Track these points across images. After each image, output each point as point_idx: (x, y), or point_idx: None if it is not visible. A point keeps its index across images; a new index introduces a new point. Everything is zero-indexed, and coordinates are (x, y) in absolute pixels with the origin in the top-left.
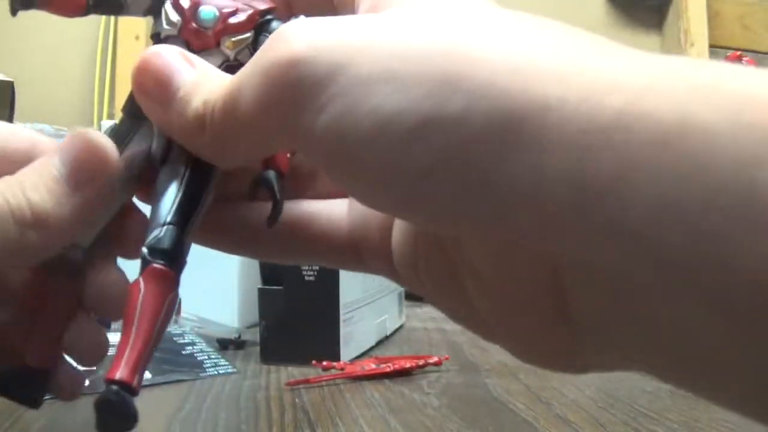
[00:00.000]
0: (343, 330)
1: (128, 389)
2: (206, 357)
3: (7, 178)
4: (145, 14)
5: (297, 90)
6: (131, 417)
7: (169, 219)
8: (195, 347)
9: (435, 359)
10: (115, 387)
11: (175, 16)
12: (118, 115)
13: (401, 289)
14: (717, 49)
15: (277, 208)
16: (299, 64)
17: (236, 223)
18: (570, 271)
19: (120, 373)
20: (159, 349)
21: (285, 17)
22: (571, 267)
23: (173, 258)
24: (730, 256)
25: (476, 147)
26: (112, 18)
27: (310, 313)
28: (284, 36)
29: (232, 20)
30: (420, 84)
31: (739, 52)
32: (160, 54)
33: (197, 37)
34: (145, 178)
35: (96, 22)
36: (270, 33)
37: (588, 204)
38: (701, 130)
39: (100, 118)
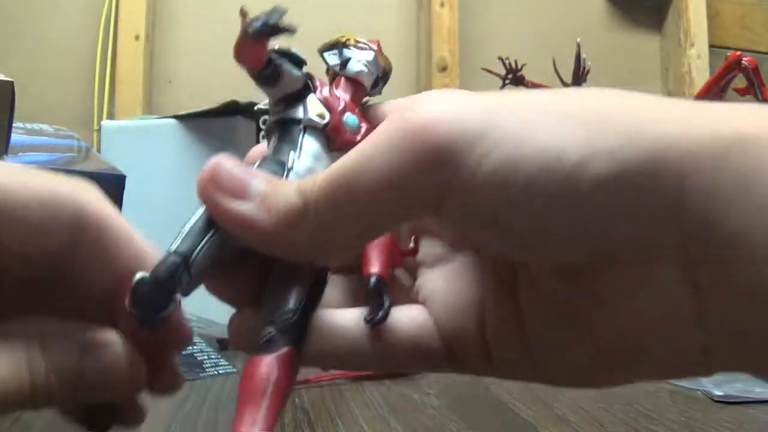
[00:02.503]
0: None
1: None
2: (206, 357)
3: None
4: (284, 99)
5: (454, 143)
6: None
7: (301, 306)
8: (195, 347)
9: None
10: None
11: (325, 112)
12: (118, 115)
13: None
14: (717, 49)
15: (387, 310)
16: (452, 120)
17: (333, 332)
18: (704, 276)
19: None
20: None
21: None
22: (704, 270)
23: (301, 342)
24: None
25: (626, 176)
26: (112, 18)
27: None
28: (412, 106)
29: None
30: (579, 126)
31: (739, 52)
32: (226, 159)
33: (341, 137)
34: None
35: (96, 22)
36: None
37: (721, 216)
38: None
39: (100, 118)
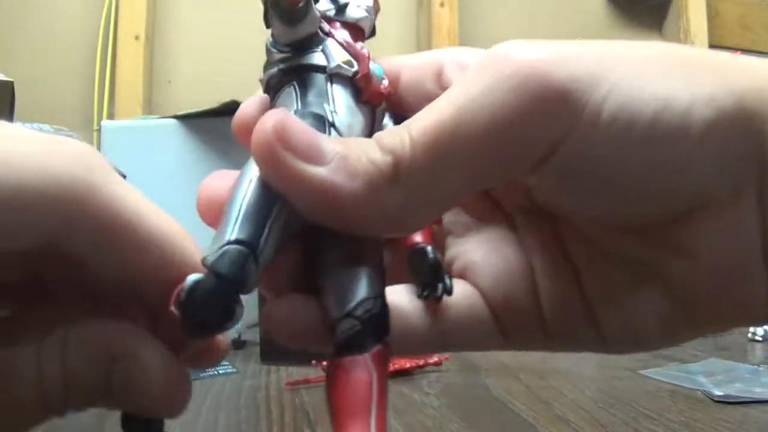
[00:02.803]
0: None
1: None
2: None
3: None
4: (293, 44)
5: (570, 86)
6: None
7: (381, 291)
8: None
9: (435, 359)
10: None
11: (352, 59)
12: (118, 115)
13: None
14: (717, 49)
15: (448, 283)
16: (561, 64)
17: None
18: None
19: None
20: None
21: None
22: None
23: (389, 333)
24: None
25: (727, 120)
26: (112, 18)
27: None
28: (508, 52)
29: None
30: (680, 75)
31: (739, 52)
32: (293, 118)
33: (370, 88)
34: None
35: (96, 22)
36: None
37: None
38: None
39: (100, 118)
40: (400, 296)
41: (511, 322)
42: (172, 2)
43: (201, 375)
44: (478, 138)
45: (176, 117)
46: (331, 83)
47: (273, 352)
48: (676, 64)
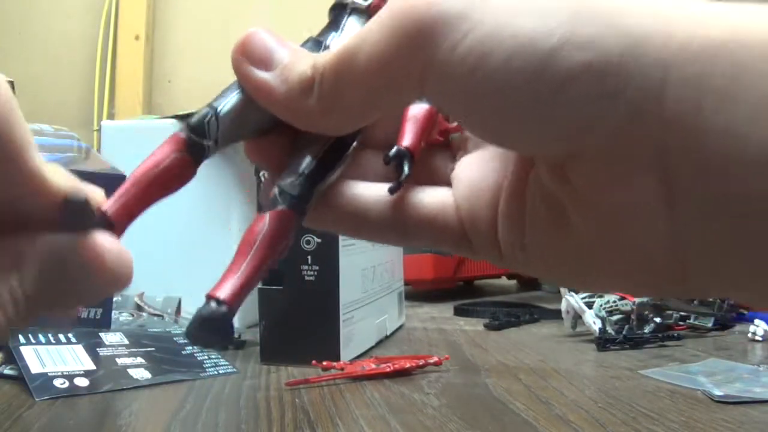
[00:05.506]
0: (343, 330)
1: (226, 309)
2: (206, 357)
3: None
4: None
5: (438, 21)
6: (226, 334)
7: (307, 171)
8: (195, 347)
9: (435, 359)
10: (214, 304)
11: None
12: (118, 115)
13: (401, 289)
14: None
15: (402, 180)
16: (430, 3)
17: (355, 200)
18: (681, 178)
19: (222, 293)
20: (159, 348)
21: None
22: (681, 171)
23: (301, 205)
24: None
25: (607, 62)
26: (112, 18)
27: (310, 313)
28: None
29: None
30: (558, 12)
31: None
32: (261, 31)
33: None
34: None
35: (96, 22)
36: None
37: (707, 105)
38: None
39: (100, 118)
40: (378, 189)
41: (472, 233)
42: (172, 2)
43: (201, 375)
44: (363, 67)
45: (176, 117)
46: (349, 16)
47: (273, 352)
48: (566, 2)
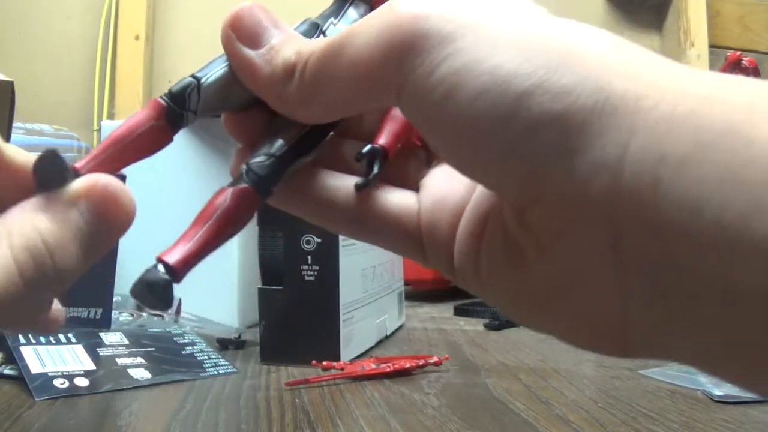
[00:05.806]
0: (343, 330)
1: (173, 274)
2: (206, 357)
3: (23, 221)
4: None
5: (422, 40)
6: (165, 300)
7: (278, 153)
8: (195, 347)
9: (435, 359)
10: (161, 269)
11: None
12: (118, 115)
13: (401, 289)
14: (717, 49)
15: (370, 178)
16: (429, 18)
17: (322, 188)
18: (630, 250)
19: (171, 258)
20: (159, 348)
21: None
22: (631, 243)
23: (266, 186)
24: None
25: (578, 115)
26: (112, 18)
27: (310, 313)
28: (400, 1)
29: None
30: (540, 55)
31: (739, 52)
32: (255, 8)
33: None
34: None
35: (96, 22)
36: None
37: (663, 174)
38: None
39: (100, 118)
40: (346, 180)
41: (429, 243)
42: (172, 2)
43: (201, 375)
44: (345, 67)
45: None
46: (351, 4)
47: (273, 352)
48: (548, 46)
